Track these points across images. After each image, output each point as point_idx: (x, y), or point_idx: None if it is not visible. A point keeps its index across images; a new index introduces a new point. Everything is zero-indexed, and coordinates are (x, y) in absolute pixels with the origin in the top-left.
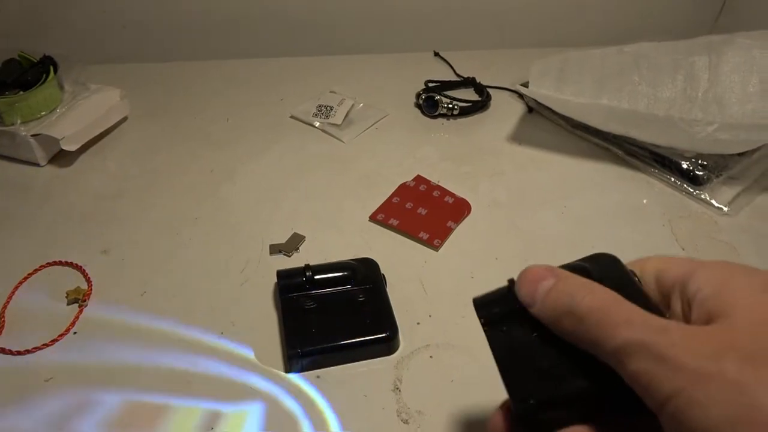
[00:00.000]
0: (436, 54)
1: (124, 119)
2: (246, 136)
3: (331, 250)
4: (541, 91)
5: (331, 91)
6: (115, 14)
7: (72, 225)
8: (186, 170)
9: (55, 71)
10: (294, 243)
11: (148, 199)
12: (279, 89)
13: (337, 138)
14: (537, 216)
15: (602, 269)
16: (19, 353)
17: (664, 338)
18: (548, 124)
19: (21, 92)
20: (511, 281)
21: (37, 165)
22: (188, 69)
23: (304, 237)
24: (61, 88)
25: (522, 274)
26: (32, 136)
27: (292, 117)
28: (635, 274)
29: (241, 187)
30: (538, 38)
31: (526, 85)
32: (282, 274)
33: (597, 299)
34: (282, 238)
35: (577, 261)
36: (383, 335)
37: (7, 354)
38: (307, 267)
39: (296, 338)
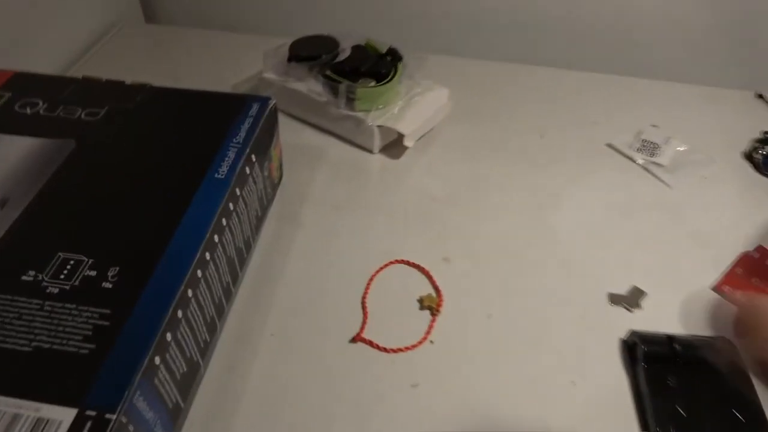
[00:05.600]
0: (759, 96)
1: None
2: (562, 159)
3: (672, 315)
4: None
5: (652, 125)
6: (439, 4)
7: (409, 223)
8: (506, 187)
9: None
10: (635, 298)
11: (477, 211)
12: (590, 108)
13: (662, 181)
14: None
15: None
16: (384, 350)
17: None
18: None
19: (373, 83)
20: None
21: (370, 152)
22: (500, 70)
23: (645, 293)
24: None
25: None
26: (377, 126)
27: (608, 145)
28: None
29: (566, 217)
30: None
31: None
32: (645, 339)
33: None
34: (616, 286)
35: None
36: None
37: (374, 348)
38: (671, 338)
39: (667, 420)
